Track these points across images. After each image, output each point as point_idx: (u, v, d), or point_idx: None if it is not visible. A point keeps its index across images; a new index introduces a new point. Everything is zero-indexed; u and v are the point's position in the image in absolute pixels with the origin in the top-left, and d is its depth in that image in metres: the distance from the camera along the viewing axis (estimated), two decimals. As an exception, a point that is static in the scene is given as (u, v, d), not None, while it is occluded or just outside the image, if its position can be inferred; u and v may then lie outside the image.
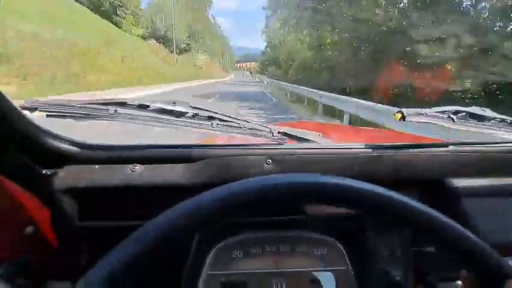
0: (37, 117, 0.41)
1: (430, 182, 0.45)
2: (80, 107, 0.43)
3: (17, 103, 0.38)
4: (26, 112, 0.39)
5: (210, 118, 0.45)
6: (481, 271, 0.25)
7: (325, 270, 0.41)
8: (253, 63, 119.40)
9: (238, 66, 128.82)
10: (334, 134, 0.94)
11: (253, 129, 0.46)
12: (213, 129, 0.44)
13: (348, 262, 0.42)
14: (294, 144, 0.47)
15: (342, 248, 0.42)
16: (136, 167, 0.42)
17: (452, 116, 0.45)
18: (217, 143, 0.68)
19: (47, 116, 0.43)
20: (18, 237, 0.40)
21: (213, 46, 52.96)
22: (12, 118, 0.35)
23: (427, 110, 0.45)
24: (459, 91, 5.55)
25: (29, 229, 0.41)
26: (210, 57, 44.40)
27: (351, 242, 0.43)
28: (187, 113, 0.44)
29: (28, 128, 0.38)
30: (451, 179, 0.44)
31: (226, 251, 0.42)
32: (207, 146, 0.46)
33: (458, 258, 0.25)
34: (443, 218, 0.25)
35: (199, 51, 38.00)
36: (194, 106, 0.45)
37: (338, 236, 0.43)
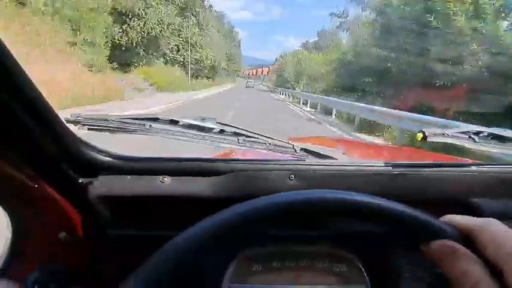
0: (78, 130, 0.47)
1: (454, 202, 0.47)
2: (118, 121, 0.47)
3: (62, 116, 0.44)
4: (69, 125, 0.44)
5: (236, 134, 0.49)
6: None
7: (343, 287, 0.43)
8: (262, 68, 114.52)
9: (248, 73, 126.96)
10: (354, 151, 0.96)
11: (277, 145, 0.49)
12: (239, 145, 0.48)
13: (367, 280, 0.43)
14: (316, 160, 0.50)
15: (361, 266, 0.44)
16: (166, 179, 0.46)
17: (473, 136, 0.47)
18: (242, 157, 0.72)
19: (88, 129, 0.48)
20: (51, 241, 0.44)
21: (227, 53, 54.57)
22: (57, 130, 0.40)
23: (449, 130, 0.47)
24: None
25: (62, 235, 0.45)
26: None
27: (371, 260, 0.44)
28: (215, 128, 0.49)
29: (69, 140, 0.43)
30: (475, 200, 0.45)
31: (247, 263, 0.44)
32: (233, 160, 0.50)
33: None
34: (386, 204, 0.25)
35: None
36: (221, 122, 0.49)
37: (358, 253, 0.45)
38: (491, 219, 0.23)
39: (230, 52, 52.42)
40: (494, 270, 0.21)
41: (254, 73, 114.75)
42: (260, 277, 0.44)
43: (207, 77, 31.76)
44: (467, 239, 0.23)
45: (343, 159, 0.50)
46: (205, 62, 28.52)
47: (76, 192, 0.45)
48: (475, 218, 0.24)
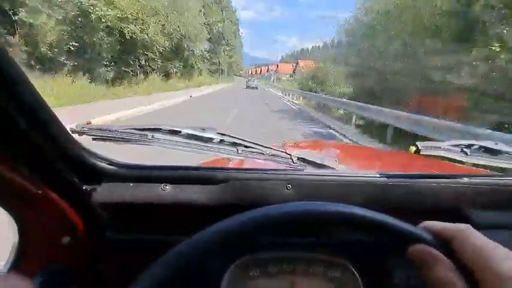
0: (83, 140, 0.49)
1: (446, 212, 0.48)
2: (121, 131, 0.50)
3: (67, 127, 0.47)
4: (75, 135, 0.47)
5: (235, 144, 0.51)
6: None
7: None
8: (269, 66, 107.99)
9: (250, 72, 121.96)
10: (350, 159, 0.98)
11: (275, 155, 0.51)
12: (238, 154, 0.50)
13: (362, 286, 0.45)
14: (312, 170, 0.52)
15: (355, 272, 0.46)
16: (167, 187, 0.49)
17: (465, 149, 0.49)
18: (241, 166, 0.74)
19: (93, 139, 0.51)
20: (56, 245, 0.46)
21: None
22: (63, 140, 0.42)
23: (441, 144, 0.48)
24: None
25: (66, 239, 0.47)
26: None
27: (366, 266, 0.46)
28: (214, 138, 0.51)
29: (74, 148, 0.45)
30: (466, 211, 0.47)
31: (244, 269, 0.46)
32: (231, 169, 0.52)
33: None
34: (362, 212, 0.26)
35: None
36: (221, 132, 0.51)
37: (353, 260, 0.47)
38: (467, 225, 0.24)
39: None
40: (469, 275, 0.21)
41: (258, 72, 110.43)
42: (257, 282, 0.46)
43: (167, 73, 17.29)
44: (445, 245, 0.24)
45: (340, 168, 0.52)
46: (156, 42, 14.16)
47: (80, 198, 0.48)
48: (453, 224, 0.25)
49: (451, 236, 0.24)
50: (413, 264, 0.24)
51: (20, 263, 0.43)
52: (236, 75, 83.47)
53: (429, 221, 0.26)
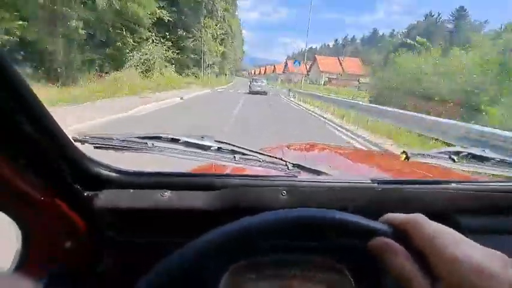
0: (85, 148, 0.58)
1: (435, 218, 0.57)
2: (122, 140, 0.59)
3: (70, 135, 0.56)
4: (77, 144, 0.56)
5: (233, 152, 0.60)
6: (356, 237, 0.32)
7: None
8: (274, 65, 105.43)
9: (254, 72, 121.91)
10: (343, 163, 1.10)
11: (271, 162, 0.61)
12: (236, 162, 0.60)
13: None
14: (306, 176, 0.61)
15: (349, 276, 0.53)
16: (166, 193, 0.57)
17: (453, 156, 0.59)
18: (238, 173, 0.85)
19: (94, 147, 0.60)
20: (58, 250, 0.54)
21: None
22: (65, 148, 0.51)
23: (429, 152, 0.59)
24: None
25: (68, 244, 0.55)
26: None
27: (359, 270, 0.53)
28: (213, 146, 0.60)
29: (76, 156, 0.54)
30: (455, 216, 0.55)
31: (241, 272, 0.53)
32: (228, 175, 0.61)
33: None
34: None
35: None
36: (219, 140, 0.61)
37: (347, 263, 0.53)
38: (419, 214, 0.28)
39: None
40: (422, 261, 0.25)
41: (262, 71, 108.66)
42: (254, 285, 0.52)
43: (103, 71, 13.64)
44: (400, 235, 0.28)
45: (334, 174, 0.60)
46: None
47: (82, 204, 0.56)
48: (406, 215, 0.29)
49: (405, 225, 0.28)
50: (376, 257, 0.28)
51: (23, 267, 0.50)
52: (236, 75, 78.64)
53: (389, 214, 0.31)
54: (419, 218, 0.28)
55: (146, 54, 18.72)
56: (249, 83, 24.55)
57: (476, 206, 0.57)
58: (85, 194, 0.57)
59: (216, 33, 33.45)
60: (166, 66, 21.71)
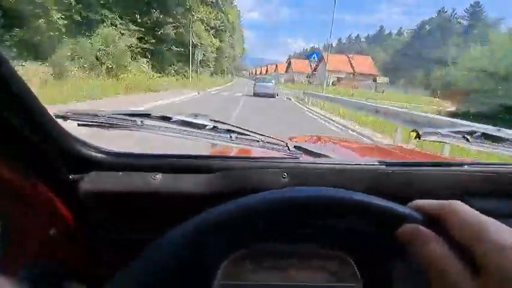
0: (68, 126, 0.57)
1: (445, 200, 0.57)
2: (109, 117, 0.59)
3: (51, 111, 0.54)
4: (59, 120, 0.54)
5: (229, 131, 0.60)
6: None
7: (335, 286, 0.52)
8: (276, 64, 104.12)
9: (255, 72, 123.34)
10: (348, 150, 1.10)
11: (270, 143, 0.61)
12: (232, 141, 0.59)
13: (360, 278, 0.52)
14: (308, 158, 0.60)
15: (353, 264, 0.53)
16: (157, 176, 0.57)
17: (467, 136, 0.59)
18: (235, 154, 0.84)
19: (78, 125, 0.59)
20: (42, 238, 0.53)
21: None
22: (46, 126, 0.49)
23: (442, 130, 0.58)
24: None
25: (52, 231, 0.54)
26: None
27: (364, 259, 0.53)
28: (207, 125, 0.60)
29: (59, 135, 0.52)
30: (467, 199, 0.55)
31: (239, 262, 0.53)
32: (225, 157, 0.61)
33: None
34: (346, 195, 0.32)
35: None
36: (214, 119, 0.61)
37: (351, 252, 0.53)
38: (455, 201, 0.28)
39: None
40: (461, 250, 0.25)
41: (264, 71, 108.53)
42: (252, 275, 0.53)
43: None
44: (434, 222, 0.28)
45: (336, 158, 0.60)
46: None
47: (67, 188, 0.55)
48: (440, 201, 0.29)
49: (439, 212, 0.28)
50: (405, 245, 0.28)
51: (4, 258, 0.48)
52: (236, 75, 76.94)
53: (417, 200, 0.31)
54: (457, 204, 0.28)
55: (98, 42, 14.01)
56: (254, 84, 21.05)
57: (490, 189, 0.56)
58: (69, 177, 0.56)
59: (209, 22, 29.28)
60: (134, 60, 17.04)
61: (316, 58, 28.36)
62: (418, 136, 0.58)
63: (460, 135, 0.60)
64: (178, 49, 23.24)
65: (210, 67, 34.29)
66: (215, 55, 34.72)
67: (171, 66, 22.91)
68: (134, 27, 17.38)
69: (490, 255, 0.24)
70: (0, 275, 0.30)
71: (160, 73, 20.00)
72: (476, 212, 0.27)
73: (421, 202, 0.30)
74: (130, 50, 16.63)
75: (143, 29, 18.17)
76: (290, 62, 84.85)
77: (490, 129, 0.61)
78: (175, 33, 22.09)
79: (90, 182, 0.56)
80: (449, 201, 0.29)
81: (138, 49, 17.69)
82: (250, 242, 0.55)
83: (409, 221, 0.29)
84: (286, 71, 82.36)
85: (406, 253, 0.29)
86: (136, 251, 0.29)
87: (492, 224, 0.26)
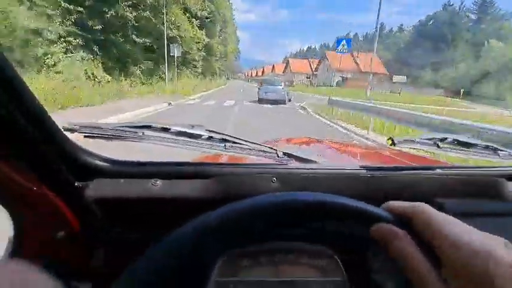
0: (75, 137, 0.66)
1: (420, 201, 0.67)
2: (112, 129, 0.69)
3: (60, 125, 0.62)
4: (66, 132, 0.63)
5: (223, 140, 0.70)
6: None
7: (323, 281, 0.61)
8: (273, 64, 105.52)
9: (250, 74, 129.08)
10: (334, 153, 1.28)
11: (261, 150, 0.71)
12: (226, 150, 0.70)
13: (345, 274, 0.61)
14: (297, 164, 0.71)
15: (339, 261, 0.62)
16: (157, 182, 0.66)
17: (438, 142, 0.70)
18: (229, 161, 0.94)
19: (84, 136, 0.68)
20: (50, 241, 0.61)
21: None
22: (55, 137, 0.58)
23: (415, 138, 0.70)
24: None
25: (59, 234, 0.62)
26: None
27: (349, 256, 0.62)
28: (203, 135, 0.70)
29: (66, 145, 0.61)
30: (439, 200, 0.66)
31: (235, 259, 0.61)
32: (220, 164, 0.71)
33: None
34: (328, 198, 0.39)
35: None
36: (209, 129, 0.71)
37: (337, 250, 0.63)
38: (421, 203, 0.34)
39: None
40: (425, 246, 0.31)
41: (260, 73, 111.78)
42: (248, 272, 0.60)
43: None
44: (403, 221, 0.34)
45: (323, 163, 0.71)
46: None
47: (73, 194, 0.63)
48: (409, 203, 0.36)
49: (408, 213, 0.35)
50: (379, 241, 0.34)
51: (15, 257, 0.57)
52: (229, 78, 75.25)
53: (390, 202, 0.39)
54: (422, 206, 0.34)
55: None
56: (258, 88, 18.20)
57: (460, 190, 0.68)
58: (76, 185, 0.65)
59: (192, 11, 23.02)
60: (64, 54, 12.50)
61: (347, 46, 23.59)
62: (393, 143, 0.69)
63: (431, 142, 0.71)
64: (142, 40, 17.45)
65: (196, 68, 29.40)
66: (203, 53, 29.90)
67: (136, 65, 17.77)
68: (67, 4, 12.70)
69: (448, 250, 0.29)
70: (9, 273, 0.37)
71: (112, 76, 14.66)
72: (438, 212, 0.33)
73: (392, 204, 0.38)
74: (64, 40, 12.48)
75: (82, 9, 13.24)
76: (288, 62, 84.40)
77: (461, 136, 0.72)
78: (136, 19, 16.19)
79: (94, 188, 0.65)
80: (417, 203, 0.35)
81: (77, 39, 12.98)
82: (244, 242, 0.62)
83: (382, 220, 0.35)
84: (284, 72, 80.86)
85: (380, 248, 0.36)
86: (138, 252, 0.35)
87: (451, 223, 0.32)
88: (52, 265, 0.59)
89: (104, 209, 0.67)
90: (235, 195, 0.44)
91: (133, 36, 16.97)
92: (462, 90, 35.65)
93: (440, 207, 0.66)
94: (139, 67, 18.08)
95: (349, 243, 0.62)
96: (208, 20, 29.83)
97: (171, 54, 18.66)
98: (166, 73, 19.89)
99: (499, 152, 0.76)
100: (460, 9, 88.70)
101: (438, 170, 0.69)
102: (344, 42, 23.18)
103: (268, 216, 0.40)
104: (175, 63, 20.21)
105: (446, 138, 0.72)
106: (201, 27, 25.57)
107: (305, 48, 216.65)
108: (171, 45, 18.68)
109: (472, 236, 0.30)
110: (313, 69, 65.64)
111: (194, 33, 23.76)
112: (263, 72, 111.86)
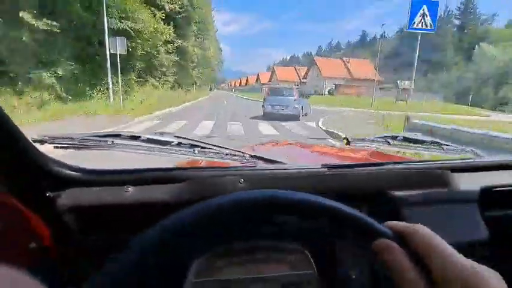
0: (45, 149, 0.71)
1: (378, 194, 0.78)
2: (82, 139, 0.76)
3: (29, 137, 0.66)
4: (36, 144, 0.68)
5: (193, 146, 0.79)
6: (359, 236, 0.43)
7: (295, 275, 0.69)
8: (256, 75, 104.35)
9: (234, 83, 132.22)
10: (299, 154, 1.45)
11: (229, 154, 0.80)
12: (195, 155, 0.78)
13: (315, 267, 0.69)
14: (264, 165, 0.81)
15: (309, 256, 0.70)
16: (129, 188, 0.73)
17: (388, 140, 0.82)
18: (199, 165, 1.03)
19: (54, 147, 0.75)
20: (21, 253, 0.64)
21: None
22: (25, 150, 0.60)
23: (368, 137, 0.81)
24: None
25: (32, 245, 0.65)
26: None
27: (319, 251, 0.71)
28: (172, 142, 0.79)
29: (37, 157, 0.65)
30: (393, 192, 0.77)
31: (209, 260, 0.67)
32: (189, 168, 0.79)
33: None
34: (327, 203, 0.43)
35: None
36: (178, 136, 0.80)
37: (308, 245, 0.71)
38: (418, 224, 0.40)
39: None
40: (418, 262, 0.36)
41: (244, 83, 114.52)
42: (223, 271, 0.66)
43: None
44: (400, 239, 0.39)
45: (288, 163, 0.81)
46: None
47: (44, 205, 0.67)
48: (409, 224, 0.41)
49: (407, 232, 0.39)
50: (375, 253, 0.39)
51: None
52: (212, 88, 73.13)
53: (391, 221, 0.43)
54: (419, 226, 0.40)
55: None
56: (263, 100, 14.91)
57: (411, 183, 0.80)
58: (47, 195, 0.69)
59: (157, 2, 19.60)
60: None
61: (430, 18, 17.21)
62: (348, 142, 0.80)
63: (383, 140, 0.83)
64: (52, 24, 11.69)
65: (166, 76, 24.54)
66: (175, 57, 24.82)
67: (49, 68, 12.15)
68: None
69: (438, 268, 0.34)
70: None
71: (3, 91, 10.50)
72: (432, 233, 0.38)
73: (392, 223, 0.43)
74: None
75: None
76: (274, 70, 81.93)
77: (409, 133, 0.85)
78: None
79: (67, 198, 0.70)
80: (415, 224, 0.40)
81: None
82: (217, 242, 0.69)
83: (383, 236, 0.40)
84: (269, 81, 78.74)
85: (374, 260, 0.44)
86: (113, 254, 0.38)
87: (441, 245, 0.36)
88: (25, 277, 0.66)
89: (78, 217, 0.72)
90: (204, 198, 0.48)
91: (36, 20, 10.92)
92: (471, 96, 35.53)
93: (393, 199, 0.77)
94: (54, 72, 12.14)
95: (320, 239, 0.71)
96: (180, 16, 25.08)
97: (112, 51, 13.44)
98: (110, 81, 14.16)
99: (444, 146, 0.89)
100: (444, 14, 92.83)
101: (390, 166, 0.81)
102: (425, 7, 15.87)
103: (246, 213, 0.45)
104: (117, 65, 13.81)
105: (396, 136, 0.84)
106: (165, 21, 20.83)
107: (288, 58, 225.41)
108: (111, 38, 13.44)
109: (463, 260, 0.35)
110: (302, 77, 65.65)
111: (155, 26, 18.85)
112: (247, 81, 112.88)
